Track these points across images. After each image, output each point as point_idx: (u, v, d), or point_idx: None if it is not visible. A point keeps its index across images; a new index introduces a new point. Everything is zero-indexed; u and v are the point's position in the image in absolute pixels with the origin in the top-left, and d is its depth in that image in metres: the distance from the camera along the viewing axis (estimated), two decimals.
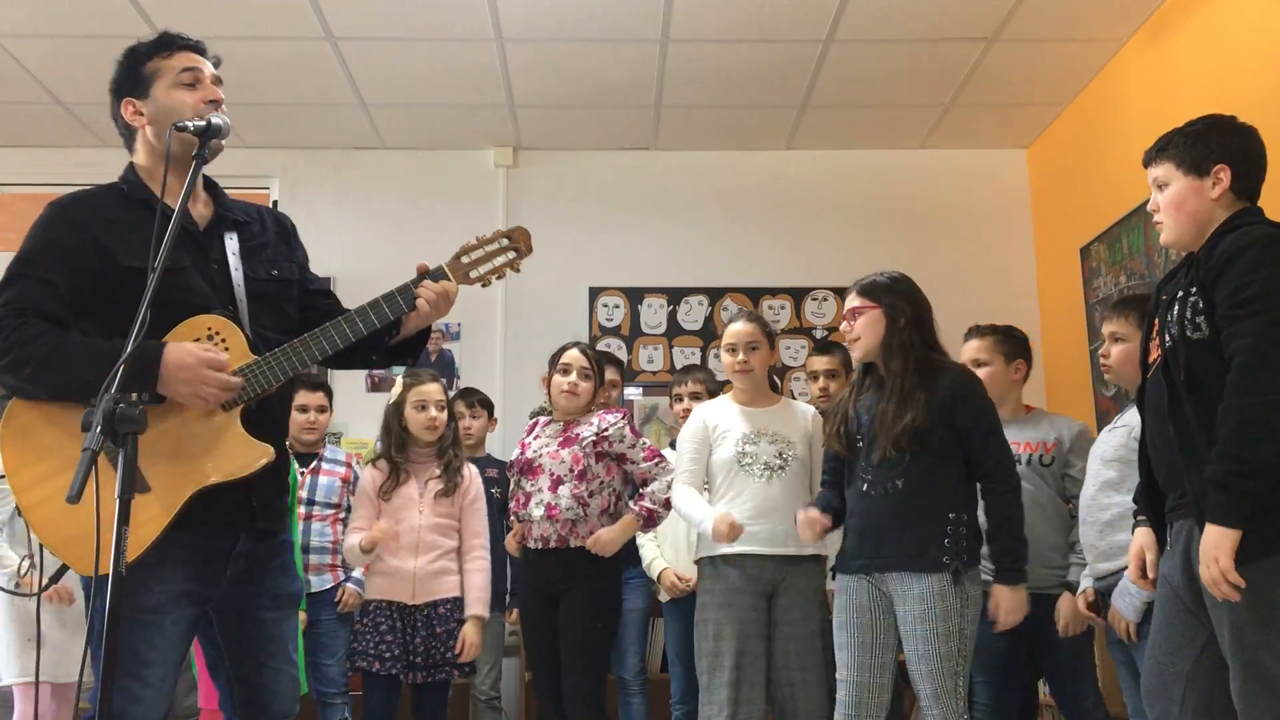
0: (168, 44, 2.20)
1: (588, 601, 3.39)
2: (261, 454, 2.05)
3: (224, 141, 2.14)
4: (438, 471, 3.62)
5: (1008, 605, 2.72)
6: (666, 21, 4.34)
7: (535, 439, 3.57)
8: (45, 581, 2.33)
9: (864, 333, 2.86)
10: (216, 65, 2.25)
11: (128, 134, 2.21)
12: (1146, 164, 2.36)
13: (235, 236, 2.20)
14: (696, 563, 3.37)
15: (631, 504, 3.45)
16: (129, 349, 1.74)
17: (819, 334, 5.35)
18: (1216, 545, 2.00)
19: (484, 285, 2.31)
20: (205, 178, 2.24)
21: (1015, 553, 2.73)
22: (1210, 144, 2.27)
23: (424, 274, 2.23)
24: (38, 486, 2.00)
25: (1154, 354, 2.29)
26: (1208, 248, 2.19)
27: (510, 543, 3.80)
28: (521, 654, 4.75)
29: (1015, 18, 4.30)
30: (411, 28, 4.36)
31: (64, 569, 2.06)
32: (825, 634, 3.01)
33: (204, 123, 2.05)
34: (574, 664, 3.36)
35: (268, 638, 2.18)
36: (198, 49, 2.22)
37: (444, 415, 3.66)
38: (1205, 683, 2.14)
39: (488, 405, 4.45)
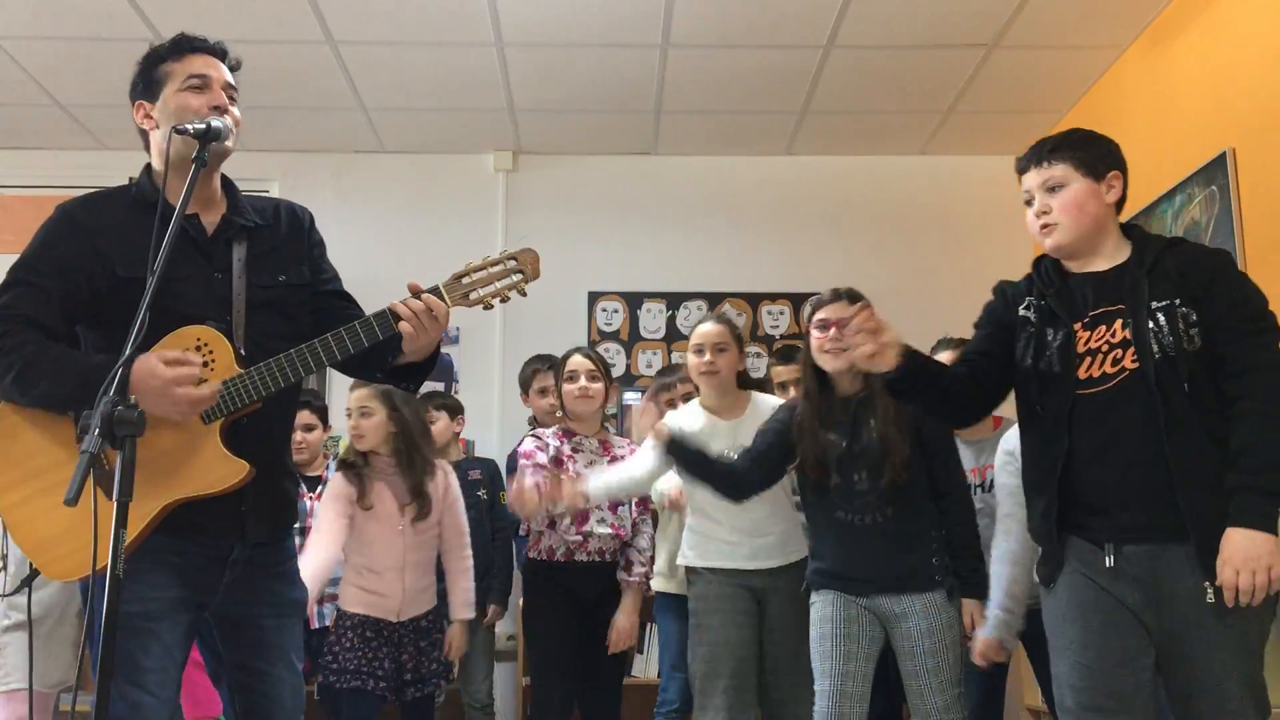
0: (181, 46, 2.18)
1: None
2: (238, 470, 2.01)
3: (230, 144, 2.12)
4: (409, 498, 3.47)
5: (980, 616, 2.78)
6: (667, 26, 4.33)
7: (578, 453, 3.47)
8: (15, 587, 2.32)
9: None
10: (236, 68, 2.24)
11: (143, 137, 2.20)
12: (1025, 169, 2.25)
13: (244, 243, 2.17)
14: (686, 570, 3.34)
15: (626, 575, 3.50)
16: (124, 356, 1.72)
17: None
18: (1270, 551, 1.96)
19: (486, 308, 2.16)
20: (223, 177, 2.22)
21: (978, 566, 2.77)
22: (1103, 149, 2.23)
23: (416, 294, 2.11)
24: (18, 487, 2.02)
25: (1097, 368, 2.16)
26: (1180, 260, 2.13)
27: None
28: (519, 660, 4.73)
29: (1015, 24, 4.31)
30: (412, 32, 4.36)
31: (34, 574, 2.05)
32: None
33: (203, 125, 2.03)
34: (615, 671, 3.55)
35: (269, 645, 2.16)
36: (212, 51, 2.20)
37: (370, 423, 3.47)
38: (1151, 694, 2.13)
39: (448, 407, 4.37)
